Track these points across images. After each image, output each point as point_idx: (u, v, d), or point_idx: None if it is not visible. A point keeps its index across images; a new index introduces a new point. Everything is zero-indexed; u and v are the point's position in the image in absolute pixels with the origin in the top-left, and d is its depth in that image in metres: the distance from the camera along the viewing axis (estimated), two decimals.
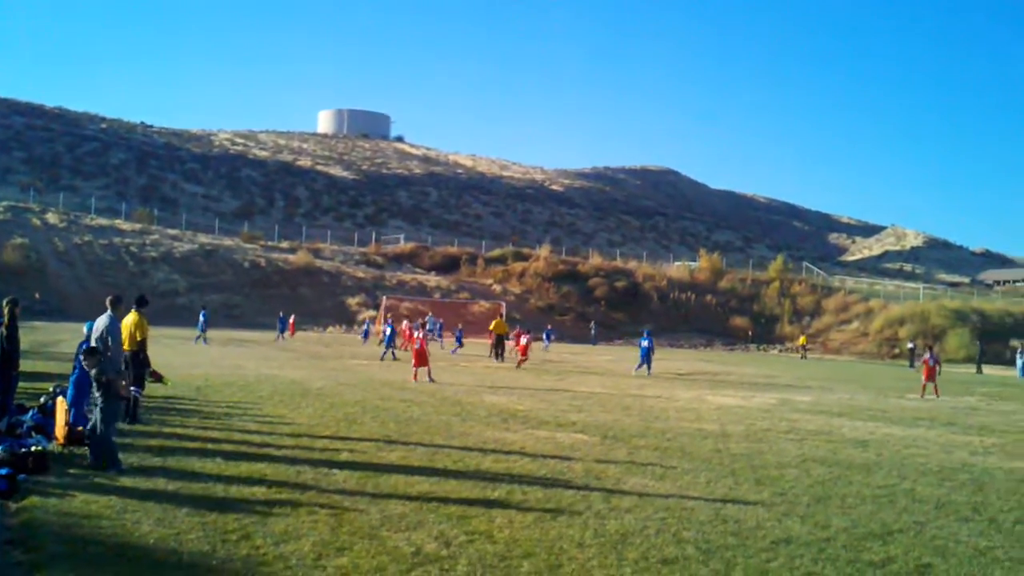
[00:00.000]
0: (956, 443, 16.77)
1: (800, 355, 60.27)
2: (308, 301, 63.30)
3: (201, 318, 40.41)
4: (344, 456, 12.08)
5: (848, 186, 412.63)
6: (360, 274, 72.93)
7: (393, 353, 35.35)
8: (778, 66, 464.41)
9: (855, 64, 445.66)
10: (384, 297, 62.54)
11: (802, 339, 63.11)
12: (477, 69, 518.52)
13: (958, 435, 18.16)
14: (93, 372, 11.02)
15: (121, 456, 10.96)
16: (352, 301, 66.81)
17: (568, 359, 42.21)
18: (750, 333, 72.07)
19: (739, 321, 74.09)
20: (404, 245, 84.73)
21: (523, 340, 35.20)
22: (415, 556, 7.48)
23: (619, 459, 12.93)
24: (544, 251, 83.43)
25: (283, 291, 66.28)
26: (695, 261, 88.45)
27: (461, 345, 43.96)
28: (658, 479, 11.47)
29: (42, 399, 14.13)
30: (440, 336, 50.14)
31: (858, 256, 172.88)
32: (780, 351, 67.76)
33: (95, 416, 10.84)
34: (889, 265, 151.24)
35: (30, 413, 12.98)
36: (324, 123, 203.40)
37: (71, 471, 10.36)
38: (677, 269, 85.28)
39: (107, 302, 12.81)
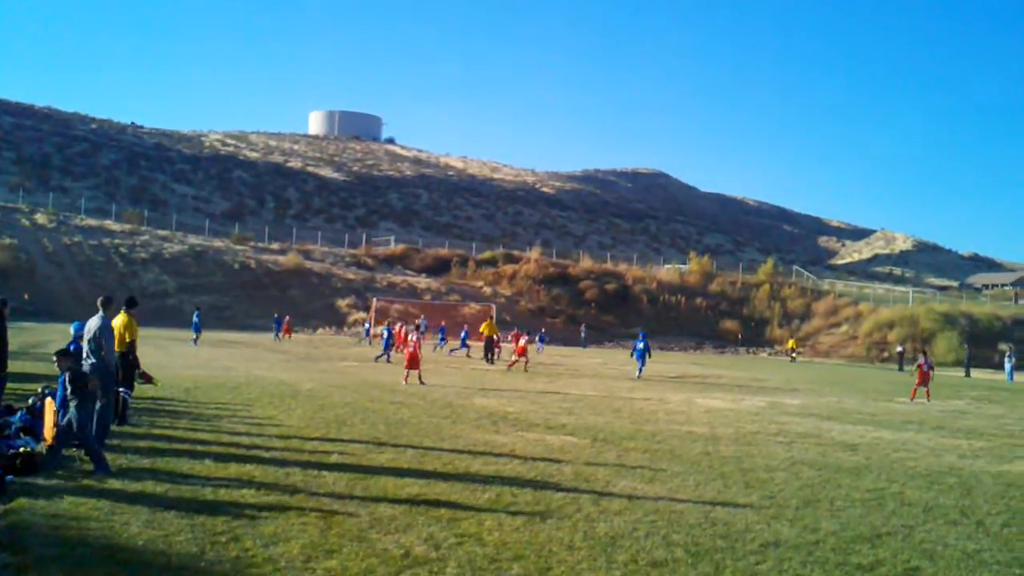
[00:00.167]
0: (945, 447, 16.83)
1: (790, 358, 60.40)
2: (298, 303, 63.17)
3: (195, 319, 40.46)
4: (334, 458, 12.07)
5: (838, 189, 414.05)
6: (350, 276, 72.82)
7: (388, 356, 35.34)
8: (768, 69, 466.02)
9: (845, 68, 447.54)
10: (374, 299, 62.46)
11: (791, 342, 63.26)
12: (468, 71, 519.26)
13: (947, 439, 18.23)
14: (67, 374, 11.01)
15: (110, 457, 10.94)
16: (342, 303, 66.73)
17: (558, 361, 42.22)
18: (740, 336, 72.19)
19: (729, 324, 74.20)
20: (395, 247, 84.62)
21: (521, 341, 35.31)
22: (404, 558, 7.48)
23: (609, 462, 12.94)
24: (535, 253, 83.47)
25: (273, 293, 66.15)
26: (685, 264, 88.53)
27: (466, 347, 43.75)
28: (648, 482, 11.48)
29: (31, 400, 14.07)
30: (432, 336, 50.07)
31: (848, 259, 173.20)
32: (770, 354, 67.89)
33: (69, 416, 10.82)
34: (878, 268, 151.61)
35: (18, 414, 12.93)
36: (315, 124, 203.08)
37: (60, 472, 10.33)
38: (667, 272, 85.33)
39: (98, 303, 12.79)
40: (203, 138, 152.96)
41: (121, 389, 13.57)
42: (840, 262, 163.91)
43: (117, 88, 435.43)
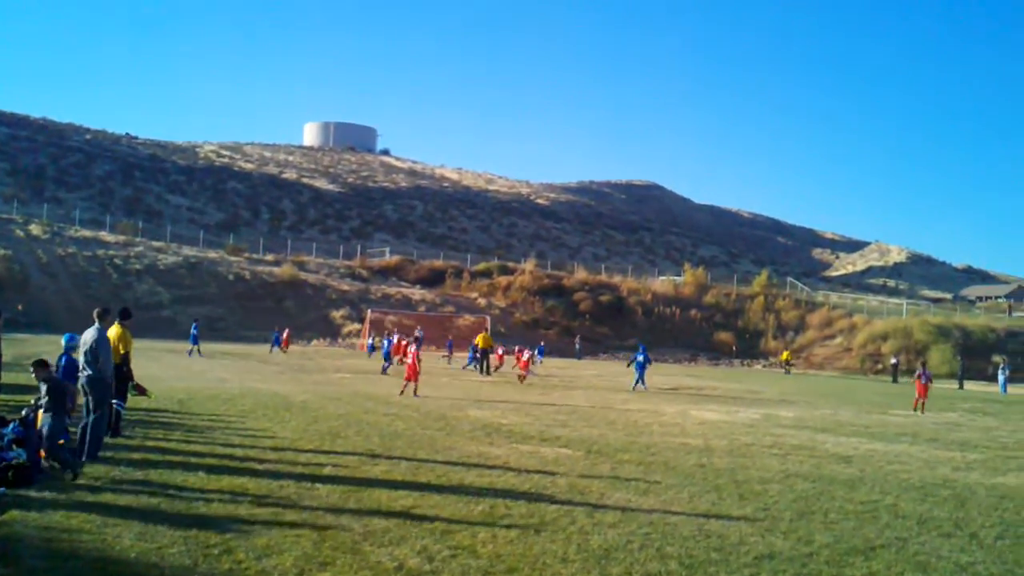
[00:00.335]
0: (938, 459, 16.84)
1: (784, 370, 60.39)
2: (293, 314, 63.05)
3: (193, 331, 40.49)
4: (327, 470, 12.04)
5: (832, 202, 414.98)
6: (345, 287, 72.76)
7: (386, 368, 35.33)
8: (763, 82, 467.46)
9: (840, 81, 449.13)
10: (369, 310, 62.44)
11: (785, 354, 63.24)
12: (464, 83, 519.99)
13: (940, 451, 18.24)
14: (43, 386, 11.02)
15: (103, 469, 10.93)
16: (337, 314, 66.66)
17: (553, 373, 42.18)
18: (734, 348, 72.21)
19: (723, 336, 74.23)
20: (389, 258, 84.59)
21: (525, 356, 35.51)
22: (398, 571, 7.47)
23: (603, 474, 12.93)
24: (529, 265, 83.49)
25: (267, 304, 66.07)
26: (680, 276, 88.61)
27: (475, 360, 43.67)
28: (642, 494, 11.48)
29: (23, 412, 14.02)
30: (438, 349, 50.28)
31: (842, 271, 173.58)
32: (764, 366, 67.90)
33: (44, 423, 10.82)
34: (873, 281, 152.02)
35: (11, 426, 12.87)
36: (310, 136, 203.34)
37: (52, 485, 10.29)
38: (662, 284, 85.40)
39: (94, 315, 12.77)
40: (198, 149, 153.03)
41: (114, 401, 13.53)
42: (834, 274, 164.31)
43: (112, 99, 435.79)
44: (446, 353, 48.77)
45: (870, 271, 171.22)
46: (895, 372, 55.52)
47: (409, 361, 26.29)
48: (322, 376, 31.98)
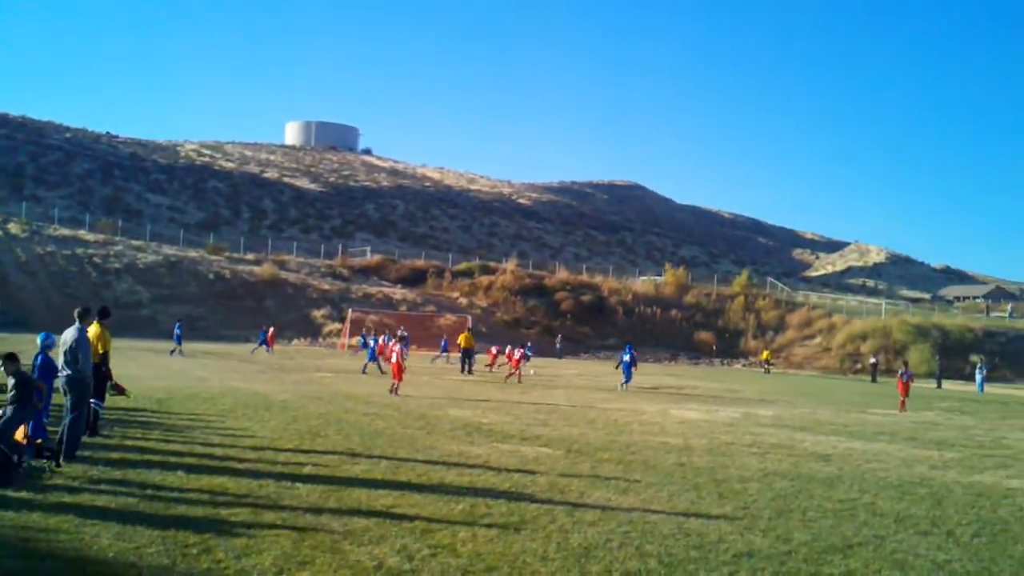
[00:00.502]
0: (916, 457, 16.96)
1: (764, 369, 60.62)
2: (273, 313, 62.75)
3: (176, 331, 40.37)
4: (307, 470, 12.03)
5: (812, 202, 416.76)
6: (326, 286, 72.53)
7: (365, 367, 35.27)
8: (744, 83, 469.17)
9: (820, 82, 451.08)
10: (350, 310, 62.30)
11: (765, 354, 63.48)
12: (446, 83, 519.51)
13: (918, 449, 18.37)
14: (11, 379, 10.98)
15: (81, 468, 10.90)
16: (318, 313, 66.44)
17: (534, 372, 42.19)
18: (714, 347, 72.39)
19: (704, 335, 74.40)
20: (371, 258, 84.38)
21: (516, 355, 35.60)
22: (377, 570, 7.47)
23: (583, 473, 12.96)
24: (511, 265, 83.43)
25: (248, 303, 65.83)
26: (661, 276, 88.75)
27: (445, 353, 43.63)
28: (622, 493, 11.51)
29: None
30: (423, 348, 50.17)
31: (822, 272, 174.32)
32: (744, 365, 68.11)
33: (4, 414, 10.77)
34: (852, 281, 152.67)
35: None
36: (291, 135, 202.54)
37: (29, 485, 10.24)
38: (643, 284, 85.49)
39: (75, 314, 12.73)
40: (178, 148, 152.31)
41: (92, 400, 13.46)
42: (814, 274, 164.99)
43: (92, 97, 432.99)
44: (438, 354, 48.56)
45: (849, 271, 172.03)
46: (874, 372, 55.86)
47: (394, 360, 26.30)
48: (302, 375, 31.89)
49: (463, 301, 74.06)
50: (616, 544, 8.74)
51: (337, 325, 62.98)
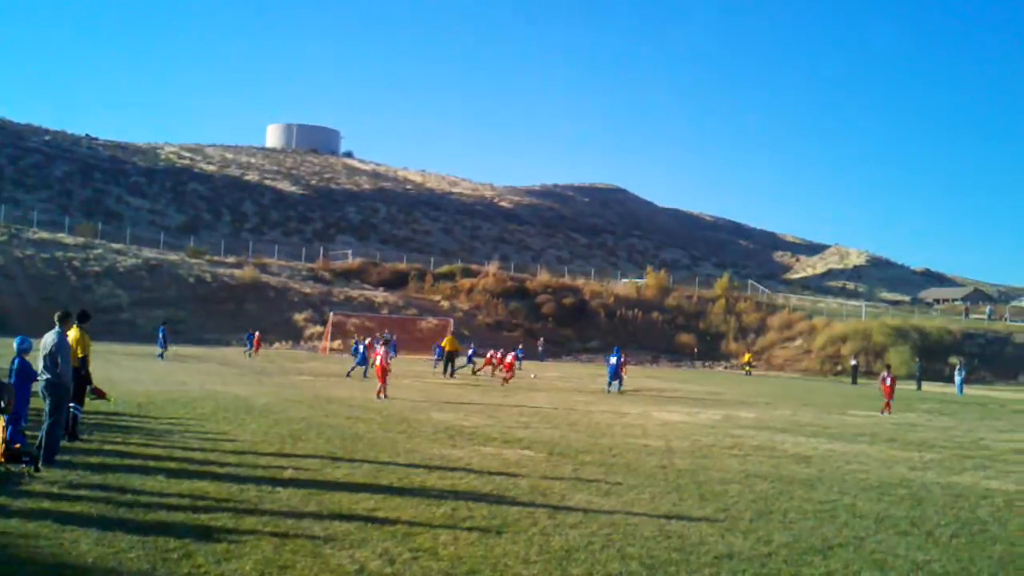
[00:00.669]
0: (896, 459, 17.06)
1: (745, 372, 60.84)
2: (254, 317, 62.52)
3: (160, 334, 40.23)
4: (288, 473, 11.99)
5: (793, 205, 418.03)
6: (307, 290, 72.36)
7: (350, 372, 35.13)
8: (724, 86, 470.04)
9: (799, 86, 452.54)
10: (331, 313, 62.19)
11: (747, 356, 63.72)
12: (427, 86, 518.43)
13: (898, 451, 18.48)
14: None
15: (60, 473, 10.84)
16: (299, 317, 66.29)
17: (515, 375, 42.21)
18: (696, 350, 72.61)
19: (685, 338, 74.62)
20: (352, 261, 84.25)
21: (508, 358, 35.78)
22: (359, 574, 7.46)
23: (565, 475, 12.98)
24: (493, 267, 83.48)
25: (229, 307, 65.60)
26: (642, 278, 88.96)
27: (472, 363, 43.28)
28: (603, 495, 11.53)
29: None
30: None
31: (802, 274, 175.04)
32: (725, 368, 68.36)
33: None
34: (832, 283, 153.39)
35: None
36: (272, 137, 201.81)
37: (8, 490, 10.16)
38: (624, 286, 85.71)
39: (55, 318, 12.65)
40: (159, 151, 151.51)
41: (72, 404, 13.38)
42: (794, 277, 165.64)
43: (71, 100, 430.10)
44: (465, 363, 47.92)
45: (830, 274, 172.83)
46: (854, 373, 56.12)
47: (378, 364, 26.29)
48: (284, 379, 31.81)
49: (445, 304, 74.03)
50: (598, 546, 8.75)
51: (319, 328, 62.84)
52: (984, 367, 65.24)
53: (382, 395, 25.04)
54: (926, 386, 51.39)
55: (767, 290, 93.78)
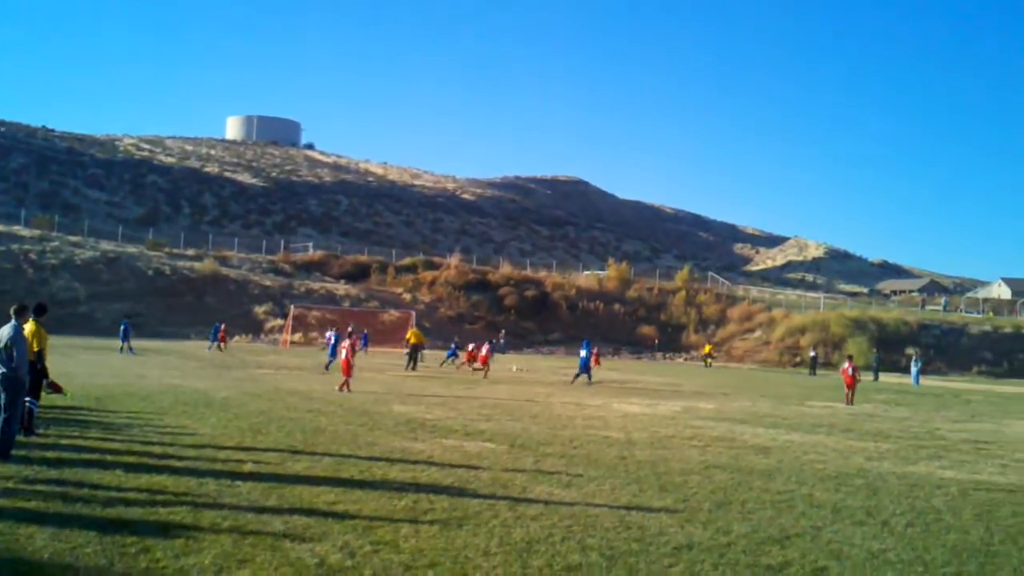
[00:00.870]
0: (853, 449, 17.26)
1: (705, 363, 61.22)
2: (214, 310, 62.03)
3: (122, 328, 39.87)
4: (248, 467, 11.91)
5: (753, 197, 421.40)
6: (268, 282, 71.85)
7: (328, 366, 34.88)
8: (684, 79, 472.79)
9: (757, 80, 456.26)
10: (292, 306, 61.82)
11: (707, 347, 64.12)
12: (389, 78, 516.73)
13: (855, 441, 18.69)
14: None
15: (15, 468, 10.70)
16: (259, 310, 65.81)
17: (478, 368, 42.22)
18: (656, 341, 72.93)
19: (646, 330, 74.93)
20: (313, 253, 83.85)
21: (483, 351, 35.83)
22: (319, 567, 7.43)
23: (526, 467, 13.01)
24: (455, 260, 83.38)
25: (188, 300, 65.01)
26: (604, 271, 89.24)
27: (455, 355, 43.08)
28: (564, 487, 11.57)
29: None
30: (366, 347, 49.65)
31: (762, 266, 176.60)
32: (685, 359, 68.72)
33: None
34: (791, 275, 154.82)
35: None
36: (232, 129, 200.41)
37: None
38: (586, 278, 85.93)
39: (12, 311, 12.49)
40: (117, 143, 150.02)
41: (27, 399, 13.22)
42: (754, 269, 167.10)
43: (28, 91, 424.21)
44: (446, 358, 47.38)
45: (789, 266, 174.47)
46: (813, 364, 56.65)
47: (343, 357, 26.23)
48: (244, 372, 31.59)
49: (407, 296, 73.83)
50: (558, 538, 8.78)
51: (279, 321, 62.43)
52: (940, 358, 66.13)
53: (345, 388, 24.96)
54: (883, 377, 51.98)
55: (727, 282, 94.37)
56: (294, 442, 14.47)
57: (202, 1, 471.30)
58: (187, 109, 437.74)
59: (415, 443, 15.08)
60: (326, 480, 11.24)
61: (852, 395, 30.16)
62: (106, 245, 72.83)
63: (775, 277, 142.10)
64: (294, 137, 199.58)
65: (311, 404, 20.97)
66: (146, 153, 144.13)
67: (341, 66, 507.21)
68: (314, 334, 60.88)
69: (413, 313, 62.33)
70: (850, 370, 30.59)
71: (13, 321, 12.20)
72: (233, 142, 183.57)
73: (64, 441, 13.49)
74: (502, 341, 65.59)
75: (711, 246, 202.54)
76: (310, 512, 9.39)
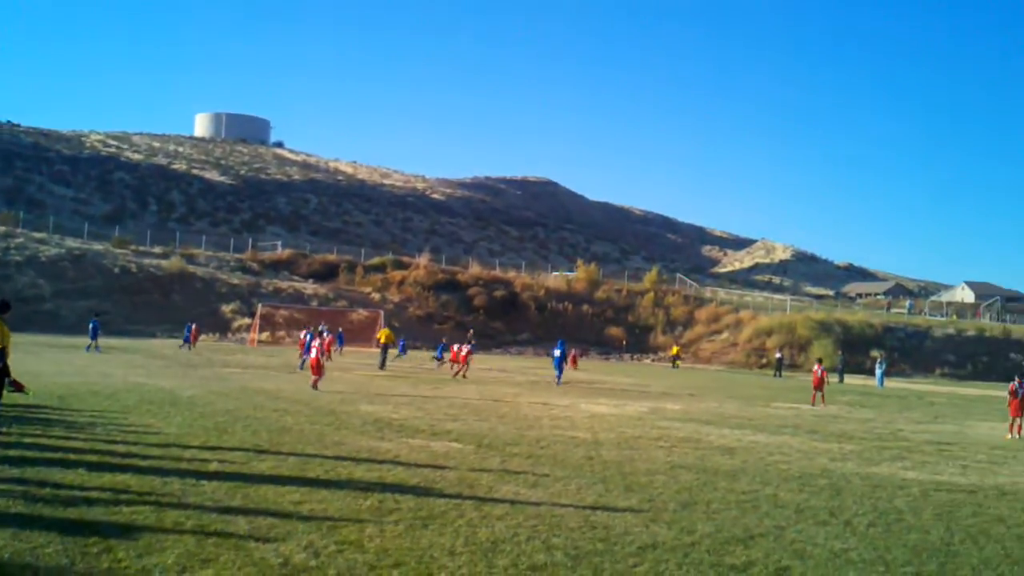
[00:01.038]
0: (817, 450, 17.43)
1: (672, 364, 61.49)
2: (181, 308, 61.56)
3: (91, 327, 39.46)
4: (213, 466, 11.85)
5: (721, 200, 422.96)
6: (235, 281, 71.37)
7: (302, 365, 34.68)
8: (653, 81, 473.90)
9: (724, 82, 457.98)
10: (260, 305, 61.46)
11: (675, 349, 64.38)
12: (359, 76, 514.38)
13: (819, 442, 18.87)
14: None
15: None
16: (227, 308, 65.36)
17: (446, 368, 42.19)
18: (625, 342, 73.14)
19: (614, 331, 75.12)
20: (281, 252, 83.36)
21: (463, 351, 35.79)
22: (283, 567, 7.41)
23: (492, 467, 13.03)
24: (424, 260, 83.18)
25: (155, 298, 64.46)
26: (573, 272, 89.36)
27: (441, 358, 42.81)
28: (530, 487, 11.60)
29: None
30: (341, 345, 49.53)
31: (730, 268, 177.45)
32: (653, 360, 68.96)
33: None
34: (759, 277, 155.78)
35: None
36: (201, 126, 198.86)
37: None
38: (555, 279, 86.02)
39: None
40: (83, 139, 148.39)
41: None
42: (722, 271, 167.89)
43: None
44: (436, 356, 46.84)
45: (756, 268, 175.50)
46: (779, 366, 57.02)
47: (312, 356, 26.20)
48: (211, 371, 31.39)
49: (375, 296, 73.59)
50: (524, 538, 8.81)
51: (247, 320, 62.05)
52: (904, 360, 66.79)
53: (316, 386, 24.95)
54: (848, 379, 52.44)
55: (695, 284, 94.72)
56: (260, 441, 14.41)
57: None
58: (155, 106, 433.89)
59: (381, 443, 15.06)
60: (291, 480, 11.21)
61: (821, 396, 30.50)
62: (72, 242, 72.05)
63: (742, 279, 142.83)
64: (263, 135, 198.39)
65: (278, 403, 20.88)
66: (113, 149, 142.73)
67: (311, 64, 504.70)
68: (281, 333, 60.63)
69: (382, 313, 62.19)
70: (819, 372, 30.96)
71: None
72: (201, 139, 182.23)
73: (26, 440, 13.35)
74: (472, 342, 65.55)
75: (679, 248, 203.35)
76: (275, 512, 9.37)
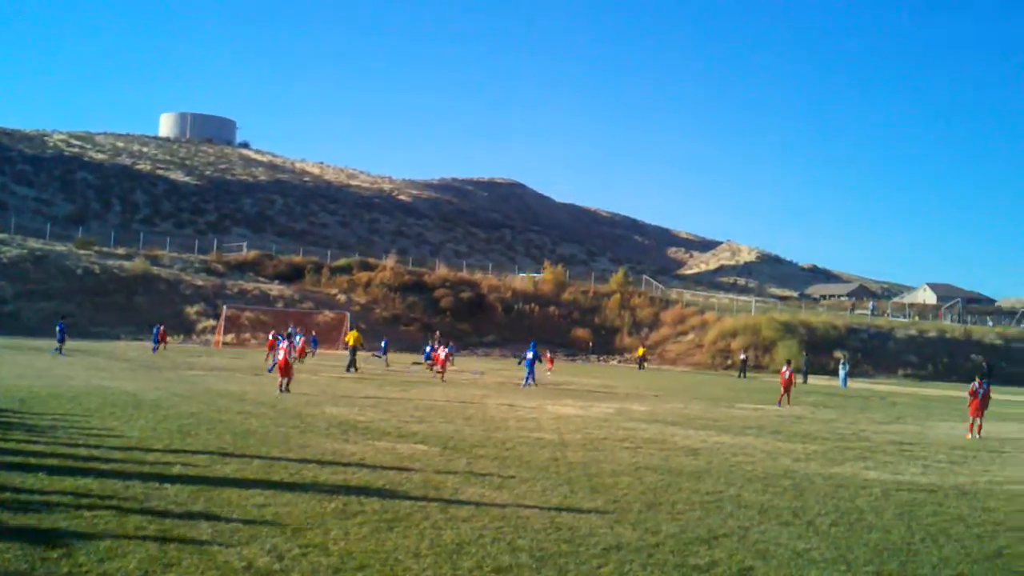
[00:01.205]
0: (781, 450, 17.57)
1: (639, 366, 61.73)
2: (144, 310, 61.07)
3: (58, 329, 38.98)
4: (176, 470, 11.76)
5: (687, 202, 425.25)
6: (200, 282, 70.84)
7: (271, 367, 34.46)
8: (620, 83, 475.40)
9: (692, 84, 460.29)
10: (225, 306, 61.05)
11: (641, 350, 64.65)
12: (326, 77, 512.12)
13: (783, 443, 19.03)
14: None
15: None
16: (191, 310, 64.87)
17: (413, 369, 42.15)
18: (591, 344, 73.34)
19: (581, 332, 75.29)
20: (247, 253, 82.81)
21: (442, 353, 35.94)
22: (247, 571, 7.38)
23: (458, 469, 13.03)
24: (390, 261, 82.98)
25: (118, 299, 63.84)
26: (539, 273, 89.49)
27: (430, 360, 42.53)
28: (496, 488, 11.62)
29: None
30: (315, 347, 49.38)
31: (695, 270, 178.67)
32: (619, 361, 69.23)
33: None
34: (724, 279, 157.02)
35: None
36: (166, 126, 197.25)
37: None
38: (522, 281, 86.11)
39: None
40: (46, 138, 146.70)
41: None
42: (688, 272, 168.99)
43: None
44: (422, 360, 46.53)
45: (722, 270, 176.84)
46: (743, 367, 57.43)
47: (280, 358, 26.07)
48: (175, 373, 31.12)
49: (342, 298, 73.34)
50: (489, 539, 8.82)
51: (212, 322, 61.62)
52: (867, 361, 67.48)
53: (283, 388, 24.87)
54: (812, 380, 52.89)
55: (661, 285, 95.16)
56: (224, 444, 14.32)
57: None
58: (119, 105, 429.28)
59: (347, 445, 15.01)
60: (255, 483, 11.15)
61: (788, 397, 30.79)
62: (34, 243, 71.22)
63: (708, 281, 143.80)
64: (229, 135, 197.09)
65: (243, 406, 20.76)
66: (76, 149, 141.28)
67: (277, 65, 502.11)
68: (247, 335, 60.26)
69: (348, 314, 61.99)
70: (787, 373, 31.26)
71: None
72: (166, 139, 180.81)
73: None
74: (438, 343, 65.46)
75: (646, 250, 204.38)
76: (238, 515, 9.32)
